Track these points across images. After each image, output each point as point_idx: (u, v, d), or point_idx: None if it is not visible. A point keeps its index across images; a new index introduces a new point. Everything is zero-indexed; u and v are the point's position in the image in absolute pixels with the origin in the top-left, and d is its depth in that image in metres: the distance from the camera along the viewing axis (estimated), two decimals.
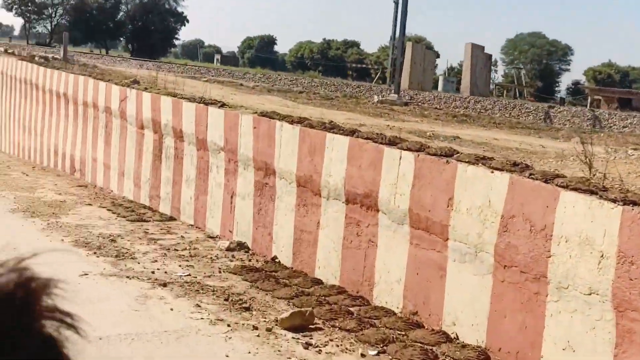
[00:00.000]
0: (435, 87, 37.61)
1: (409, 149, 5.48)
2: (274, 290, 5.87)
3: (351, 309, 5.52)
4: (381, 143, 5.75)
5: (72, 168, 12.17)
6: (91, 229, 7.88)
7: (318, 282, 6.24)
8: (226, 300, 5.55)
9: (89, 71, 14.28)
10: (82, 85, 11.84)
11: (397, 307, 5.51)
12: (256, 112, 7.55)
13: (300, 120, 6.85)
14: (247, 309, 5.31)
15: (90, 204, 9.35)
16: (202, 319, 5.04)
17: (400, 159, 5.48)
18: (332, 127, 6.39)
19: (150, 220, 8.56)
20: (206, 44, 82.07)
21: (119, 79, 12.22)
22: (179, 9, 61.89)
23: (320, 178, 6.34)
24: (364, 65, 63.16)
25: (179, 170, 8.74)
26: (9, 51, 22.06)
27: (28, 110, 14.65)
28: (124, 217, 8.64)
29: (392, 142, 5.72)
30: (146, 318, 4.97)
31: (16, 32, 74.28)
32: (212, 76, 28.46)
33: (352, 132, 6.17)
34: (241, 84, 25.54)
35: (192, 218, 8.51)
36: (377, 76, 48.12)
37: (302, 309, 5.08)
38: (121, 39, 61.69)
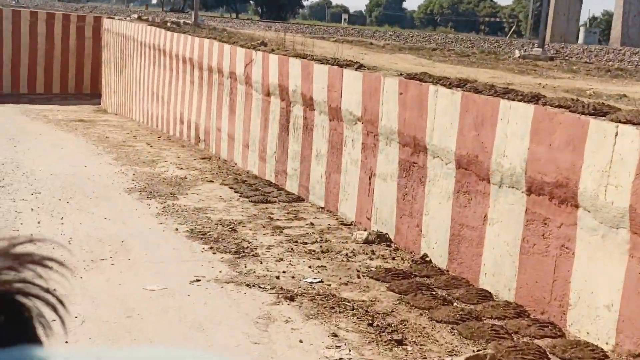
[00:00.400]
0: (576, 39, 34.19)
1: (629, 122, 3.77)
2: (431, 309, 4.41)
3: (540, 342, 3.96)
4: (582, 113, 4.07)
5: (196, 138, 11.20)
6: (210, 213, 6.73)
7: (485, 295, 4.71)
8: (370, 324, 4.15)
9: (216, 35, 13.27)
10: (207, 49, 10.76)
11: (607, 343, 3.89)
12: (402, 74, 6.00)
13: (460, 83, 5.24)
14: (400, 343, 3.88)
15: (211, 181, 8.24)
16: (341, 359, 3.67)
17: (615, 136, 3.79)
18: (506, 92, 4.74)
19: (275, 202, 7.30)
20: (333, 4, 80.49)
21: (245, 41, 11.06)
22: None
23: (489, 159, 4.75)
24: (497, 19, 59.40)
25: (308, 143, 7.40)
26: (143, 18, 21.69)
27: (156, 77, 13.87)
28: (247, 197, 7.43)
29: (598, 112, 4.03)
30: (267, 356, 3.67)
31: (154, 0, 76.25)
32: (341, 36, 27.02)
33: (535, 98, 4.51)
34: (371, 43, 23.89)
35: (323, 199, 7.16)
36: (512, 30, 44.79)
37: (480, 353, 3.59)
38: (251, 1, 61.28)
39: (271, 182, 8.18)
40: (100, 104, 22.37)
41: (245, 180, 8.25)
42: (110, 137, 11.85)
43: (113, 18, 21.54)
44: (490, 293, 4.72)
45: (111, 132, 12.73)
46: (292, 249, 5.70)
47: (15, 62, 24.22)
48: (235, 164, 9.40)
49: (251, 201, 7.28)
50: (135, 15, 24.56)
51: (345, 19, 59.16)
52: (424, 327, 4.14)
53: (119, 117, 16.68)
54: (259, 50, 8.75)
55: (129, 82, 16.63)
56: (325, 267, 5.27)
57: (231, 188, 7.79)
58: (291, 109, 7.80)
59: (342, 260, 5.44)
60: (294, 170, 7.73)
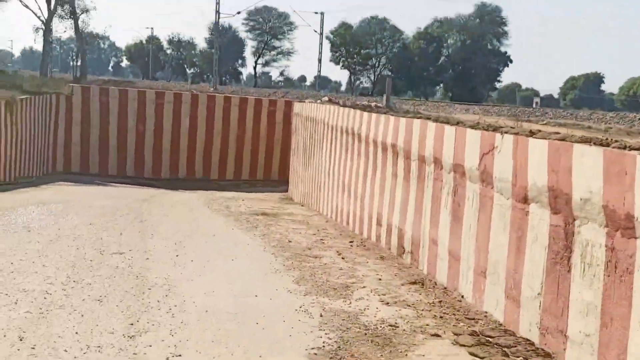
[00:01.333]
0: None
1: None
2: None
3: None
4: None
5: (399, 248, 8.26)
6: None
7: None
8: None
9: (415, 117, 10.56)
10: (417, 133, 7.93)
11: None
12: None
13: None
14: None
15: (437, 335, 5.16)
16: None
17: None
18: None
19: None
20: (523, 87, 75.86)
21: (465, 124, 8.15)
22: (502, 49, 57.07)
23: None
24: None
25: (621, 294, 4.12)
26: (334, 101, 19.74)
27: (348, 167, 11.30)
28: None
29: None
30: None
31: (342, 88, 76.69)
32: (550, 119, 23.47)
33: None
34: (589, 127, 20.20)
35: None
36: None
37: None
38: (440, 85, 58.79)
39: (532, 343, 4.94)
40: (287, 192, 20.53)
41: (490, 336, 5.09)
42: (294, 240, 9.26)
43: (303, 102, 19.73)
44: None
45: (295, 232, 10.19)
46: None
47: (207, 148, 23.26)
48: (462, 297, 6.28)
49: None
50: (326, 98, 22.79)
51: (537, 102, 54.76)
52: None
53: (305, 210, 14.31)
54: (507, 132, 5.70)
55: (317, 171, 14.28)
56: None
57: (474, 356, 4.66)
58: (575, 230, 4.59)
59: None
60: (583, 334, 4.44)
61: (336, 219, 11.91)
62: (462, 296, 6.32)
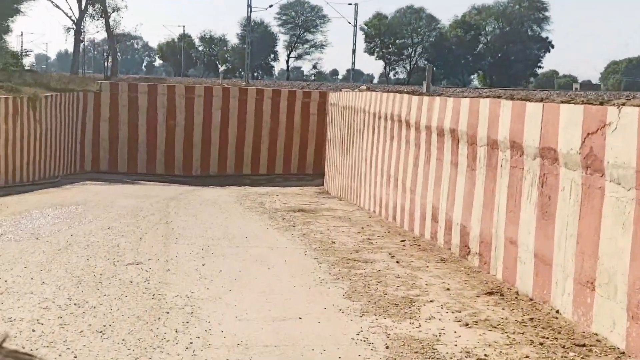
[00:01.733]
0: None
1: None
2: None
3: None
4: None
5: (463, 249, 6.90)
6: None
7: None
8: None
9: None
10: (485, 114, 6.54)
11: None
12: None
13: None
14: None
15: None
16: None
17: None
18: None
19: None
20: (560, 74, 73.07)
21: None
22: (543, 34, 54.55)
23: None
24: None
25: None
26: (372, 89, 18.40)
27: (395, 156, 9.94)
28: None
29: None
30: None
31: (375, 80, 74.99)
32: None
33: None
34: None
35: None
36: None
37: None
38: (479, 72, 56.55)
39: None
40: (322, 185, 19.24)
41: None
42: (338, 241, 7.95)
43: (340, 91, 18.39)
44: None
45: (337, 230, 8.88)
46: None
47: (239, 142, 22.10)
48: (558, 312, 4.90)
49: None
50: (364, 87, 21.40)
51: (576, 88, 52.46)
52: None
53: (345, 204, 13.00)
54: (623, 105, 4.29)
55: (357, 162, 12.95)
56: None
57: None
58: None
59: None
60: None
61: (380, 214, 10.57)
62: (558, 311, 4.94)
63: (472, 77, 57.47)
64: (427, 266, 6.50)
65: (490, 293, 5.38)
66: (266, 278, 5.83)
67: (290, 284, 5.61)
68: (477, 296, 5.33)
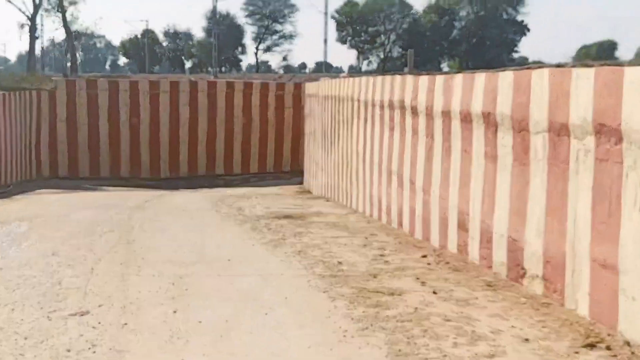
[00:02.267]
0: None
1: None
2: None
3: None
4: None
5: (514, 269, 5.22)
6: None
7: None
8: None
9: None
10: (542, 90, 4.86)
11: None
12: None
13: None
14: None
15: None
16: None
17: None
18: None
19: None
20: (530, 60, 71.86)
21: None
22: (519, 18, 52.96)
23: None
24: None
25: None
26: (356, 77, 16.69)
27: (397, 149, 8.24)
28: None
29: None
30: None
31: (344, 74, 72.91)
32: None
33: None
34: None
35: None
36: None
37: None
38: (454, 59, 54.86)
39: None
40: (302, 184, 17.53)
41: None
42: (344, 260, 6.21)
43: (318, 81, 16.65)
44: None
45: (337, 243, 7.16)
46: None
47: (210, 140, 20.19)
48: None
49: None
50: (345, 75, 19.69)
51: None
52: None
53: (334, 206, 11.30)
54: None
55: (346, 158, 11.23)
56: None
57: None
58: None
59: None
60: None
61: (381, 218, 8.86)
62: None
63: (442, 65, 55.71)
64: (476, 298, 4.81)
65: (591, 345, 3.71)
66: (265, 333, 4.06)
67: (301, 343, 3.85)
68: (576, 352, 3.64)
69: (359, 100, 10.22)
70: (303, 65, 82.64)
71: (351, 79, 11.30)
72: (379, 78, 9.13)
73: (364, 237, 7.59)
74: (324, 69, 40.15)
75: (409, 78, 7.86)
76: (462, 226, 6.30)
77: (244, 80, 21.29)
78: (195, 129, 19.53)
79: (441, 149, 6.74)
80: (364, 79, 10.21)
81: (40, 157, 18.28)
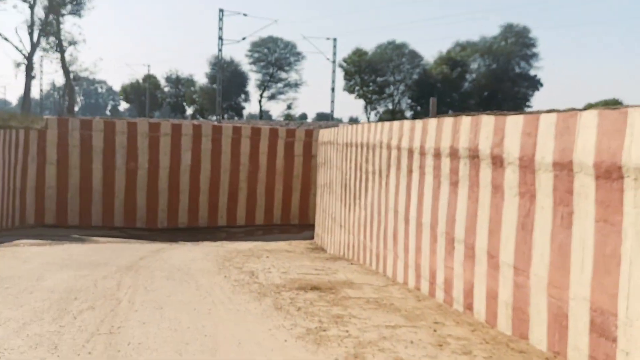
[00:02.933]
0: None
1: None
2: None
3: None
4: None
5: (554, 346, 3.26)
6: None
7: None
8: None
9: None
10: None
11: None
12: None
13: None
14: None
15: None
16: None
17: None
18: None
19: None
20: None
21: None
22: (532, 72, 51.68)
23: None
24: None
25: None
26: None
27: (464, 210, 6.33)
28: None
29: None
30: None
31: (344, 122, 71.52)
32: None
33: None
34: None
35: None
36: None
37: None
38: (466, 112, 53.08)
39: None
40: (312, 239, 15.61)
41: None
42: None
43: (337, 126, 14.84)
44: None
45: (399, 338, 5.17)
46: None
47: (213, 189, 18.30)
48: None
49: None
50: (364, 121, 17.91)
51: None
52: None
53: (363, 271, 9.35)
54: None
55: (377, 215, 9.32)
56: None
57: None
58: None
59: None
60: None
61: (434, 295, 6.91)
62: None
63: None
64: None
65: None
66: None
67: None
68: None
69: (398, 148, 8.37)
70: (304, 116, 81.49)
71: (386, 122, 9.44)
72: (433, 120, 7.26)
73: (430, 329, 5.60)
74: (331, 116, 38.52)
75: (486, 118, 5.99)
76: (601, 331, 4.30)
77: (251, 126, 19.51)
78: (198, 176, 17.66)
79: (551, 215, 4.80)
80: (406, 122, 8.36)
81: (26, 202, 16.32)
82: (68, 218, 16.86)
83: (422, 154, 7.47)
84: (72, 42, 30.22)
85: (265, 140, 18.43)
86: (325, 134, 14.49)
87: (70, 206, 16.90)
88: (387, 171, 8.80)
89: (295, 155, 18.75)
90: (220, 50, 34.29)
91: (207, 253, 11.68)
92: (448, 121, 6.67)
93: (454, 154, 6.54)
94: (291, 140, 18.76)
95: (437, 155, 6.98)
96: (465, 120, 6.50)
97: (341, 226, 12.26)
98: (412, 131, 7.80)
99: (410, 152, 7.84)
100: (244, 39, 37.38)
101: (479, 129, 6.04)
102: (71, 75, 30.96)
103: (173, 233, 16.84)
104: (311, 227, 18.21)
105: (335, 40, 39.53)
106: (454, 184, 6.60)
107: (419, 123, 7.64)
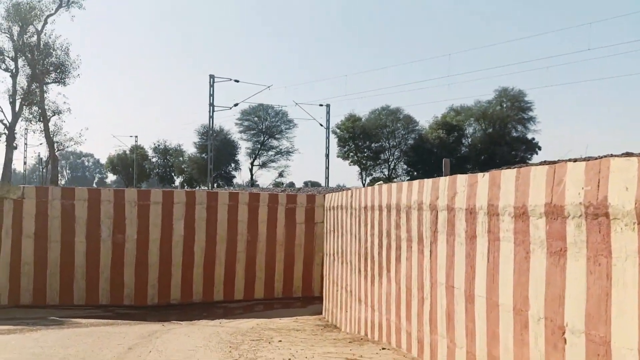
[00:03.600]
0: None
1: None
2: None
3: None
4: None
5: None
6: None
7: None
8: None
9: None
10: None
11: None
12: None
13: None
14: None
15: None
16: None
17: None
18: None
19: None
20: None
21: None
22: (530, 135, 50.84)
23: None
24: None
25: None
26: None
27: (575, 287, 4.66)
28: None
29: None
30: None
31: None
32: None
33: None
34: None
35: None
36: None
37: None
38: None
39: None
40: (319, 313, 13.82)
41: None
42: None
43: (345, 190, 13.35)
44: None
45: None
46: None
47: (209, 261, 16.50)
48: None
49: None
50: (381, 182, 16.40)
51: None
52: None
53: (398, 357, 7.60)
54: None
55: (416, 290, 7.64)
56: None
57: None
58: None
59: None
60: None
61: None
62: None
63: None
64: None
65: None
66: None
67: None
68: None
69: (451, 209, 6.77)
70: (291, 184, 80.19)
71: (426, 180, 7.88)
72: (508, 171, 5.69)
73: None
74: (327, 183, 37.15)
75: (593, 165, 4.42)
76: None
77: (249, 192, 17.93)
78: (192, 247, 15.93)
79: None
80: (460, 176, 6.78)
81: None
82: (47, 297, 14.95)
83: (493, 214, 5.86)
84: (56, 112, 28.83)
85: (265, 207, 16.82)
86: (334, 198, 12.95)
87: (49, 284, 15.02)
88: (433, 237, 7.19)
89: (297, 224, 17.14)
90: (211, 117, 33.10)
91: (208, 338, 9.86)
92: (541, 171, 5.08)
93: (553, 213, 4.90)
94: (292, 207, 17.19)
95: (521, 215, 5.35)
96: (507, 173, 4.94)
97: (360, 301, 10.57)
98: (472, 187, 6.23)
99: (473, 213, 6.24)
100: (236, 105, 36.29)
101: (608, 176, 4.40)
102: (55, 146, 29.48)
103: (164, 311, 14.97)
104: (316, 300, 16.51)
105: (328, 106, 38.53)
106: (557, 253, 4.93)
107: (483, 176, 6.08)
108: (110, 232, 15.36)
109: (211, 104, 33.05)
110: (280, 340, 9.47)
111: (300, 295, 16.99)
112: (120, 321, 12.71)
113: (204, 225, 16.05)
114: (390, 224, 8.86)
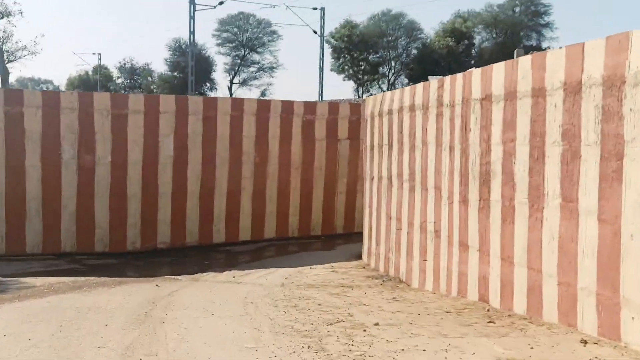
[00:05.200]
0: None
1: None
2: None
3: None
4: None
5: None
6: None
7: None
8: None
9: None
10: None
11: None
12: None
13: None
14: None
15: None
16: None
17: None
18: None
19: None
20: None
21: None
22: (546, 44, 46.26)
23: None
24: None
25: None
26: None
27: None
28: None
29: None
30: None
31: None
32: None
33: None
34: None
35: None
36: None
37: None
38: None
39: None
40: (355, 258, 10.38)
41: None
42: None
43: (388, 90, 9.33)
44: None
45: None
46: None
47: (206, 189, 12.41)
48: None
49: None
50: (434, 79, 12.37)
51: None
52: None
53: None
54: None
55: (612, 234, 3.63)
56: None
57: None
58: None
59: None
60: None
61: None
62: None
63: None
64: None
65: None
66: None
67: None
68: None
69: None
70: None
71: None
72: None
73: None
74: (321, 99, 32.95)
75: None
76: None
77: (257, 99, 13.74)
78: (184, 172, 11.79)
79: None
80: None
81: None
82: None
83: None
84: (5, 13, 23.61)
85: (277, 117, 12.69)
86: (393, 98, 9.01)
87: None
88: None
89: (317, 140, 13.14)
90: (192, 17, 28.17)
91: (250, 319, 5.87)
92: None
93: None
94: (311, 118, 13.10)
95: None
96: None
97: (467, 248, 6.90)
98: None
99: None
100: (221, 3, 31.15)
101: None
102: (5, 56, 24.48)
103: (150, 259, 11.04)
104: (338, 239, 12.76)
105: (323, 10, 33.66)
106: None
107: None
108: (75, 152, 11.08)
109: (191, 1, 28.04)
110: (377, 323, 5.55)
111: (320, 234, 13.26)
112: (92, 279, 8.70)
113: (199, 142, 11.88)
114: (537, 117, 4.97)
